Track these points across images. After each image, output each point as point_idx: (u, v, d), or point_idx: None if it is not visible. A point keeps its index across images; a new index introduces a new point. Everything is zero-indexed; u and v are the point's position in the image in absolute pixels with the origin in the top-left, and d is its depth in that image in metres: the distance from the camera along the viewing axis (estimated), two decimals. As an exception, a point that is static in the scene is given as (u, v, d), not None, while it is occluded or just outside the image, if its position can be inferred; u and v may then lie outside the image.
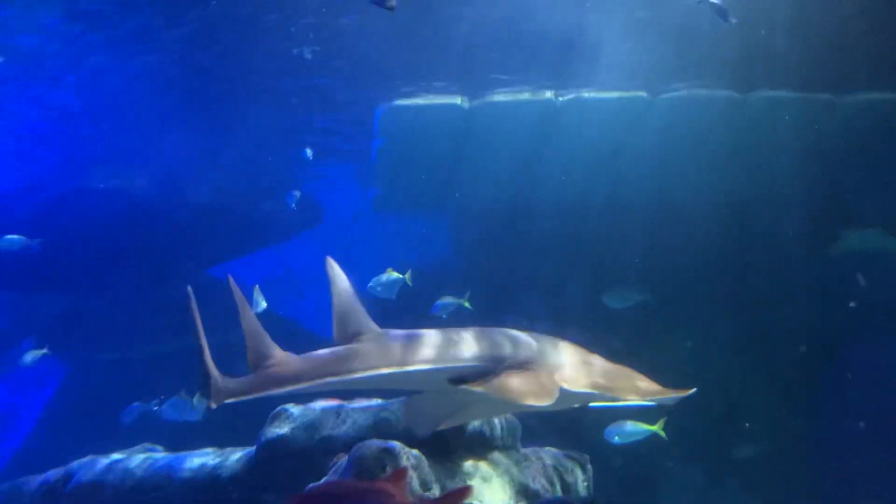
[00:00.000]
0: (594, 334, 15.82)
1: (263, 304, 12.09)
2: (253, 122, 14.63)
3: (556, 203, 15.46)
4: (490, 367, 5.60)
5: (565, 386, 5.61)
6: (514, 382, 5.53)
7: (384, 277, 12.52)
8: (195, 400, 12.06)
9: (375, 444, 8.20)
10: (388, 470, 8.08)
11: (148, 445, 10.47)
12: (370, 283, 12.59)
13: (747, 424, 13.59)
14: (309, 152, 12.67)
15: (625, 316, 15.39)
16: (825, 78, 13.21)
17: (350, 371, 5.52)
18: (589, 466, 10.22)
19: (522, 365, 5.67)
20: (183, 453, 9.87)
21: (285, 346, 15.73)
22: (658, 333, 15.22)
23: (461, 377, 5.57)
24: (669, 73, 13.31)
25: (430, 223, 17.32)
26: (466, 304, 13.15)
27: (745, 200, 14.96)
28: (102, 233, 15.44)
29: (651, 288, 15.00)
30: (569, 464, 9.89)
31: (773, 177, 14.46)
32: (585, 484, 9.99)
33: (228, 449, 9.82)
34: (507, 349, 5.72)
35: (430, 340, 5.66)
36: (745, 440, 14.06)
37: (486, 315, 16.32)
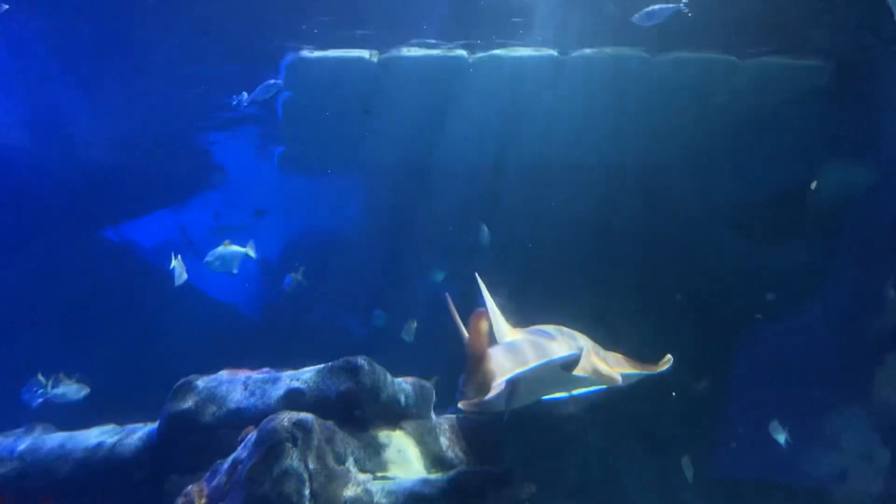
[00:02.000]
0: (505, 297, 15.96)
1: (184, 276, 11.42)
2: (151, 77, 13.73)
3: (464, 164, 15.20)
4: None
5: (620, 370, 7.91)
6: (600, 369, 7.70)
7: (221, 251, 11.79)
8: (50, 384, 11.38)
9: (287, 416, 7.89)
10: (300, 444, 7.79)
11: (38, 425, 9.72)
12: (207, 258, 11.83)
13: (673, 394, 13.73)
14: (245, 95, 11.84)
15: (535, 277, 15.40)
16: (730, 40, 13.30)
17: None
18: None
19: (589, 353, 7.66)
20: (78, 432, 9.24)
21: (186, 311, 15.09)
22: (567, 294, 15.28)
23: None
24: (582, 32, 13.13)
25: (338, 184, 16.82)
26: (299, 277, 13.25)
27: (653, 163, 15.01)
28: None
29: (560, 248, 14.96)
30: (482, 429, 9.81)
31: (679, 140, 14.50)
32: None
33: (129, 426, 9.25)
34: (582, 343, 7.69)
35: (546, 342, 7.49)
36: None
37: (398, 281, 16.25)
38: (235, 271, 11.76)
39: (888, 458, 12.26)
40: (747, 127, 14.14)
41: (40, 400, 11.28)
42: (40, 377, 11.44)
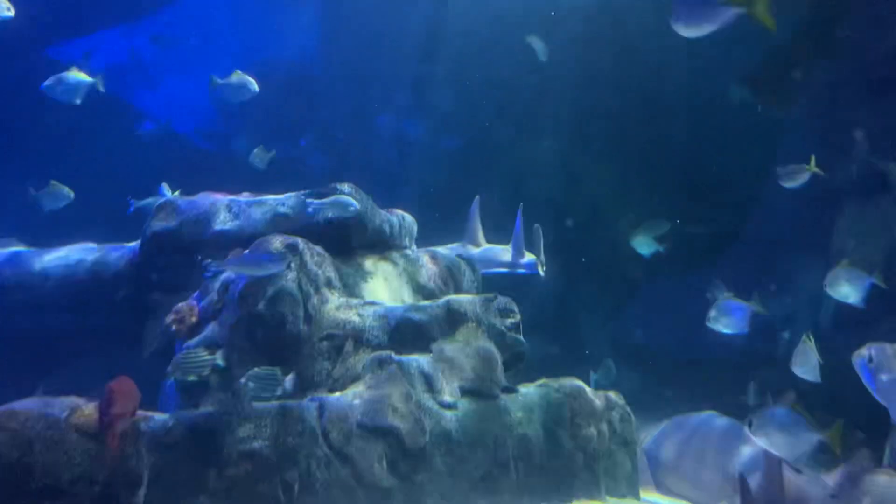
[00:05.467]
0: (468, 135, 15.66)
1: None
2: None
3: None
4: None
5: None
6: None
7: (67, 77, 10.48)
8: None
9: (279, 238, 7.72)
10: (293, 266, 7.63)
11: (12, 240, 9.24)
12: (47, 83, 10.50)
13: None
14: None
15: (497, 115, 15.11)
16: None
17: None
18: (477, 267, 10.30)
19: None
20: (54, 249, 8.85)
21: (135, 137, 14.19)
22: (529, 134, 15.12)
23: None
24: None
25: (301, 8, 15.83)
26: None
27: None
28: None
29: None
30: (460, 263, 9.95)
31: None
32: (475, 284, 10.12)
33: (107, 245, 8.89)
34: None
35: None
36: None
37: (358, 112, 15.73)
38: (78, 101, 10.45)
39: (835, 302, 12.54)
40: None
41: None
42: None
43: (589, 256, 14.54)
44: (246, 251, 7.54)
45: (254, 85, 10.96)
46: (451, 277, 9.59)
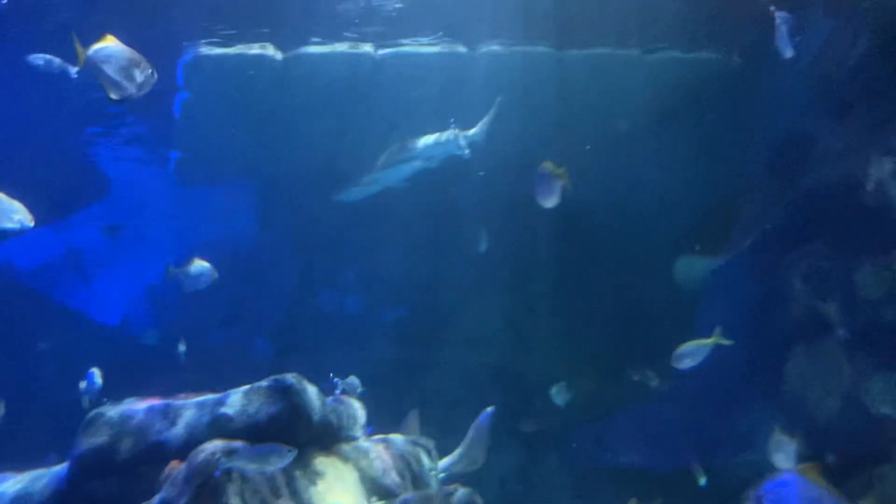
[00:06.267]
0: (412, 305, 15.53)
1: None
2: (25, 78, 12.48)
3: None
4: None
5: None
6: None
7: None
8: None
9: (218, 447, 7.14)
10: (234, 477, 7.06)
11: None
12: None
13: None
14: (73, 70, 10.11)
15: (440, 283, 15.02)
16: (634, 34, 13.30)
17: None
18: (434, 452, 9.78)
19: None
20: (-31, 483, 8.08)
21: (68, 338, 13.74)
22: (474, 300, 15.07)
23: None
24: (488, 26, 12.88)
25: (238, 193, 15.83)
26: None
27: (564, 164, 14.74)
28: None
29: (471, 252, 14.62)
30: (415, 451, 9.30)
31: (590, 139, 14.27)
32: (433, 472, 9.50)
33: (32, 472, 8.12)
34: None
35: None
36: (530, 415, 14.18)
37: (300, 292, 15.46)
38: None
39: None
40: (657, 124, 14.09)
41: None
42: None
43: (544, 425, 14.22)
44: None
45: (212, 271, 10.66)
46: (407, 469, 8.94)
